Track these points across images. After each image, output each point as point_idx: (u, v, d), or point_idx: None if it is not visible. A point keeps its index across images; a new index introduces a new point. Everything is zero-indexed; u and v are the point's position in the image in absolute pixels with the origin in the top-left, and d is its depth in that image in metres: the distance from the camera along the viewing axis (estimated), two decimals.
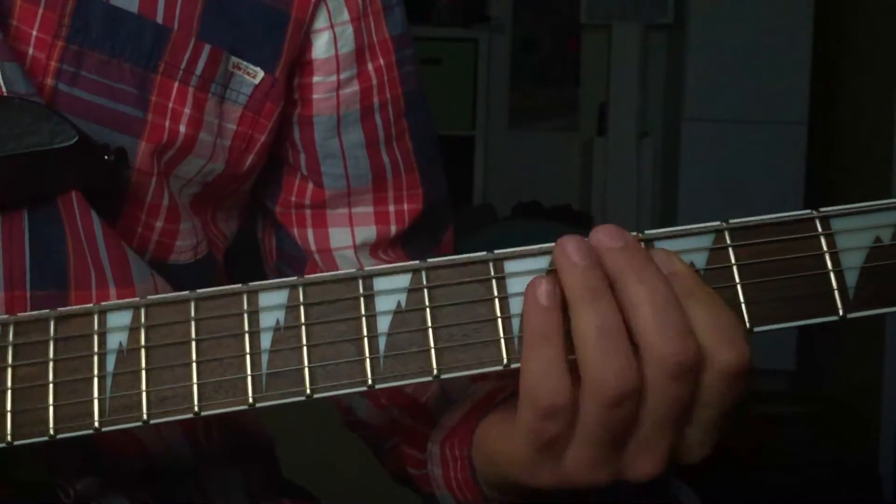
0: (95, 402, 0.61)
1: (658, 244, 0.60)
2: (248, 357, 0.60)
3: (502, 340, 0.59)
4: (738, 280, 0.60)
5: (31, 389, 0.61)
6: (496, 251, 0.61)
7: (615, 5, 4.10)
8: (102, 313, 0.62)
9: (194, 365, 0.60)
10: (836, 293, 0.59)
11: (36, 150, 0.68)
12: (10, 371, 0.61)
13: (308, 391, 0.60)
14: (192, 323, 0.61)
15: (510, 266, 0.60)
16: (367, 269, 0.61)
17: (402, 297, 0.60)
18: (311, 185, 0.86)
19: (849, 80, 3.84)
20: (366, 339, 0.60)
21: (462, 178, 4.26)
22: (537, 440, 0.59)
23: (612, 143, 4.09)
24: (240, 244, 0.92)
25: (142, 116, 0.75)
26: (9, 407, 0.61)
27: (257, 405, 0.60)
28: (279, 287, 0.61)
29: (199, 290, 0.61)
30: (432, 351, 0.59)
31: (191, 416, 0.60)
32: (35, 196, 0.70)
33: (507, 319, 0.60)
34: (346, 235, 0.87)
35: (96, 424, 0.60)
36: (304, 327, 0.60)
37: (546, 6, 4.36)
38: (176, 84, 0.76)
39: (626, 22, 4.11)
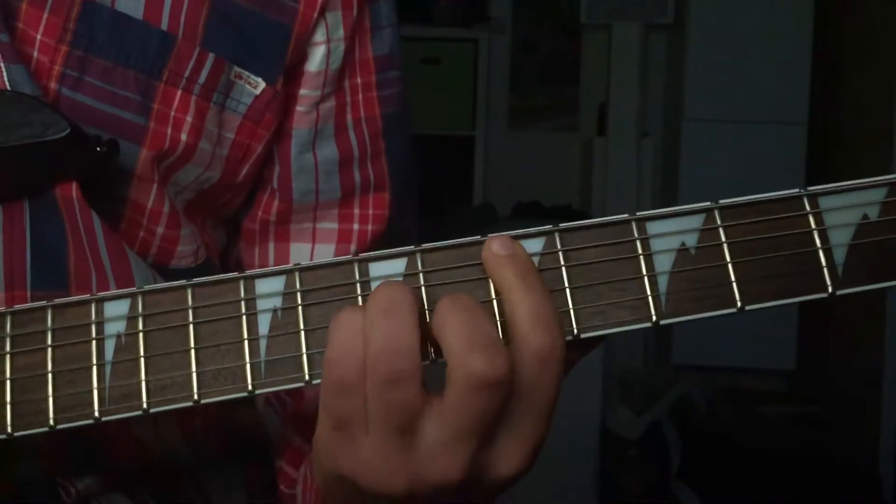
0: (95, 392, 0.61)
1: (649, 224, 0.60)
2: (246, 344, 0.60)
3: (498, 323, 0.60)
4: (728, 259, 0.60)
5: (30, 380, 0.61)
6: (489, 235, 0.61)
7: (615, 5, 4.10)
8: (100, 302, 0.62)
9: (193, 353, 0.61)
10: (825, 270, 0.59)
11: (28, 142, 0.68)
12: (8, 362, 0.62)
13: (307, 377, 0.60)
14: (190, 311, 0.61)
15: None
16: (362, 254, 0.61)
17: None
18: (276, 202, 0.85)
19: (849, 80, 3.84)
20: None
21: (462, 178, 4.26)
22: (330, 418, 0.58)
23: (612, 143, 4.09)
24: None
25: (144, 123, 0.75)
26: (8, 398, 0.61)
27: (256, 392, 0.60)
28: (276, 274, 0.61)
29: (196, 279, 0.62)
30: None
31: (190, 403, 0.60)
32: (28, 188, 0.70)
33: (502, 302, 0.60)
34: (306, 254, 0.87)
35: (96, 414, 0.61)
36: (301, 314, 0.60)
37: (546, 6, 4.36)
38: (179, 92, 0.76)
39: (626, 22, 4.11)
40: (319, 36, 0.82)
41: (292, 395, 0.86)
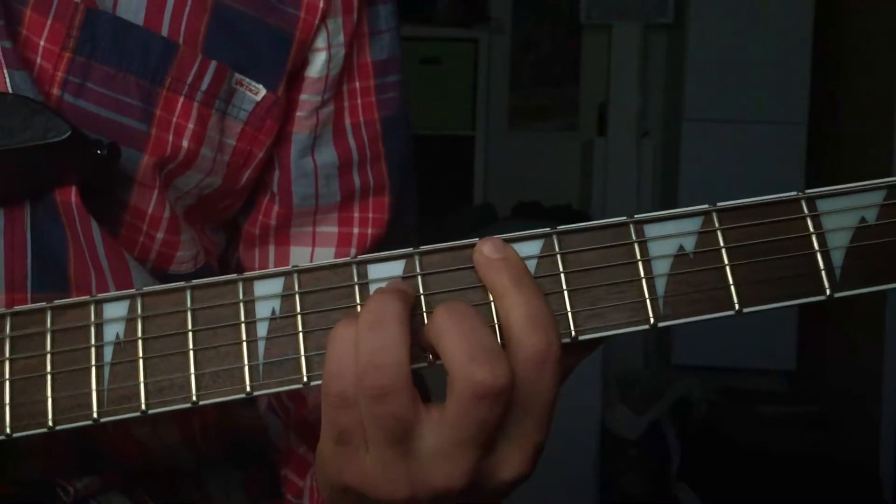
0: (94, 393, 0.61)
1: (647, 227, 0.61)
2: (244, 346, 0.60)
3: (496, 326, 0.60)
4: (726, 262, 0.60)
5: (30, 381, 0.61)
6: (488, 237, 0.61)
7: (615, 5, 4.10)
8: (99, 304, 0.62)
9: (191, 354, 0.61)
10: (823, 273, 0.60)
11: (29, 145, 0.68)
12: (7, 363, 0.62)
13: (305, 379, 0.60)
14: (189, 312, 0.61)
15: None
16: (360, 256, 0.61)
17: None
18: (277, 206, 0.85)
19: (849, 80, 3.84)
20: None
21: (462, 178, 4.26)
22: (333, 431, 0.59)
23: (612, 143, 4.09)
24: None
25: (146, 130, 0.75)
26: (7, 399, 0.61)
27: (255, 394, 0.60)
28: (274, 276, 0.61)
29: (195, 280, 0.62)
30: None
31: (189, 405, 0.60)
32: (29, 191, 0.70)
33: (495, 305, 0.60)
34: (306, 257, 0.87)
35: (95, 415, 0.61)
36: (299, 316, 0.60)
37: (546, 6, 4.36)
38: (181, 99, 0.76)
39: (626, 22, 4.11)
40: (321, 42, 0.82)
41: (295, 402, 0.86)
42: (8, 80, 0.70)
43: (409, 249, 0.61)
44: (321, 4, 0.80)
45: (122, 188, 0.75)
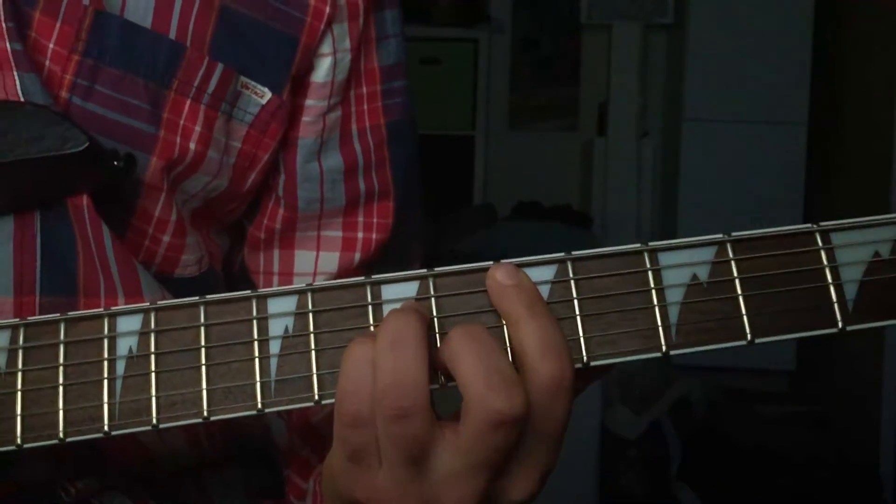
0: (105, 406, 0.61)
1: (661, 255, 0.61)
2: (256, 362, 0.61)
3: (509, 349, 0.60)
4: (739, 292, 0.60)
5: (41, 393, 0.62)
6: (502, 261, 0.61)
7: (615, 5, 4.11)
8: (112, 317, 0.62)
9: (203, 370, 0.61)
10: (836, 306, 0.60)
11: (46, 155, 0.68)
12: (20, 374, 0.62)
13: (316, 397, 0.60)
14: (202, 328, 0.61)
15: None
16: (375, 276, 0.61)
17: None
18: (281, 210, 0.86)
19: (849, 80, 3.84)
20: None
21: (462, 178, 4.26)
22: (346, 449, 0.59)
23: (612, 143, 4.09)
24: None
25: (154, 132, 0.75)
26: (18, 410, 0.61)
27: (266, 410, 0.60)
28: (288, 293, 0.61)
29: (209, 296, 0.62)
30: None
31: (200, 420, 0.60)
32: (42, 199, 0.70)
33: (508, 331, 0.60)
34: (311, 261, 0.87)
35: (106, 428, 0.61)
36: (312, 334, 0.60)
37: (546, 6, 4.36)
38: (188, 101, 0.76)
39: (626, 22, 4.11)
40: (326, 47, 0.82)
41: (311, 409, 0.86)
42: (18, 82, 0.70)
43: (424, 271, 0.61)
44: (327, 9, 0.80)
45: (130, 191, 0.75)
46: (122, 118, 0.74)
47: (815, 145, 3.87)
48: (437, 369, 0.59)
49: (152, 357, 0.61)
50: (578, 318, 0.60)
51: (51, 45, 0.72)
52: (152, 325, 0.62)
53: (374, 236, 0.87)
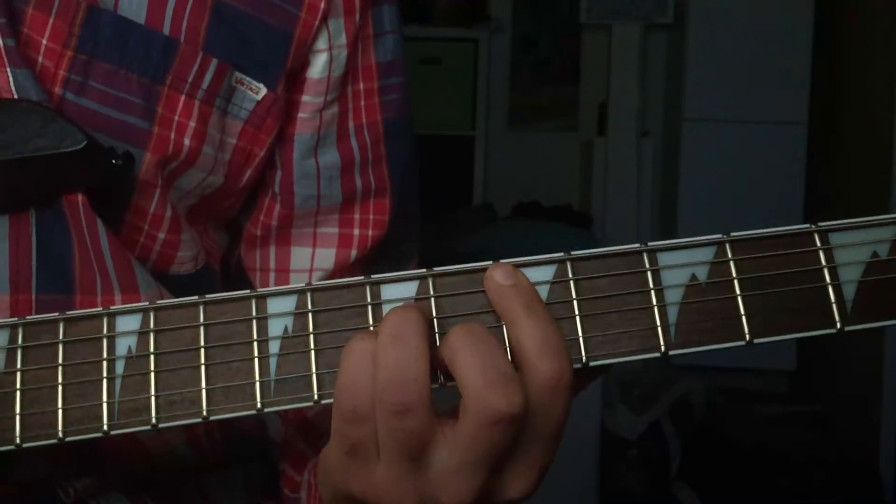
0: (104, 406, 0.61)
1: (660, 256, 0.61)
2: (256, 362, 0.61)
3: (508, 349, 0.60)
4: (738, 292, 0.60)
5: (40, 392, 0.62)
6: (502, 260, 0.61)
7: (615, 5, 4.11)
8: (112, 317, 0.62)
9: (203, 369, 0.61)
10: (834, 306, 0.60)
11: (44, 154, 0.68)
12: (18, 374, 0.62)
13: (316, 397, 0.60)
14: (201, 328, 0.61)
15: None
16: (374, 276, 0.61)
17: None
18: (278, 206, 0.86)
19: (849, 80, 3.84)
20: None
21: (462, 178, 4.26)
22: (344, 444, 0.59)
23: (612, 143, 4.09)
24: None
25: (148, 128, 0.75)
26: (17, 410, 0.61)
27: (265, 410, 0.60)
28: (287, 293, 0.61)
29: (208, 296, 0.62)
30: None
31: (199, 420, 0.60)
32: (39, 197, 0.70)
33: (507, 331, 0.60)
34: (307, 258, 0.87)
35: (105, 428, 0.61)
36: (312, 334, 0.60)
37: (546, 6, 4.36)
38: (182, 97, 0.76)
39: (626, 22, 4.11)
40: (321, 43, 0.82)
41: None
42: (11, 78, 0.70)
43: (423, 271, 0.61)
44: (322, 5, 0.80)
45: (125, 188, 0.75)
46: (115, 114, 0.74)
47: (815, 145, 3.86)
48: (437, 368, 0.59)
49: (151, 356, 0.61)
50: (578, 318, 0.60)
51: (44, 41, 0.72)
52: (151, 325, 0.62)
53: (370, 233, 0.87)
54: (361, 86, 0.85)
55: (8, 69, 0.70)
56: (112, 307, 0.62)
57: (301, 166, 0.84)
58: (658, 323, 0.60)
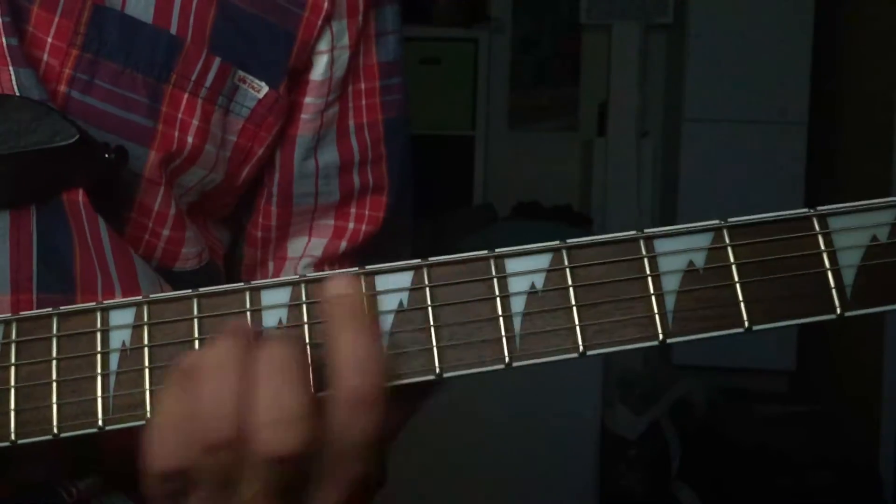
0: (99, 401, 0.61)
1: (657, 242, 0.60)
2: None
3: (504, 339, 0.59)
4: (736, 279, 0.59)
5: (34, 388, 0.61)
6: (497, 249, 0.60)
7: (615, 5, 4.10)
8: (105, 311, 0.62)
9: None
10: (834, 291, 0.59)
11: (36, 149, 0.68)
12: (12, 369, 0.62)
13: (312, 390, 0.60)
14: (195, 321, 0.61)
15: (511, 264, 0.60)
16: (369, 266, 0.61)
17: (405, 296, 0.60)
18: (275, 208, 0.86)
19: (849, 80, 3.84)
20: None
21: (462, 178, 4.26)
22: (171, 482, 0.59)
23: (612, 143, 4.09)
24: None
25: (152, 126, 0.75)
26: (12, 406, 0.61)
27: None
28: (281, 285, 0.61)
29: (201, 289, 0.61)
30: (434, 350, 0.59)
31: None
32: (36, 194, 0.70)
33: (508, 318, 0.59)
34: (301, 245, 0.88)
35: (100, 423, 0.61)
36: (306, 326, 0.60)
37: (546, 6, 4.36)
38: (186, 95, 0.76)
39: (626, 22, 4.11)
40: (324, 45, 0.82)
41: None
42: (13, 77, 0.70)
43: (419, 261, 0.60)
44: (325, 5, 0.81)
45: (128, 186, 0.75)
46: (120, 112, 0.74)
47: (815, 145, 3.86)
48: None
49: (146, 350, 0.61)
50: (574, 307, 0.60)
51: (49, 40, 0.73)
52: (145, 319, 0.61)
53: (364, 228, 0.88)
54: (363, 85, 0.86)
55: (11, 68, 0.70)
56: (105, 301, 0.62)
57: (301, 166, 0.85)
58: (656, 310, 0.59)
